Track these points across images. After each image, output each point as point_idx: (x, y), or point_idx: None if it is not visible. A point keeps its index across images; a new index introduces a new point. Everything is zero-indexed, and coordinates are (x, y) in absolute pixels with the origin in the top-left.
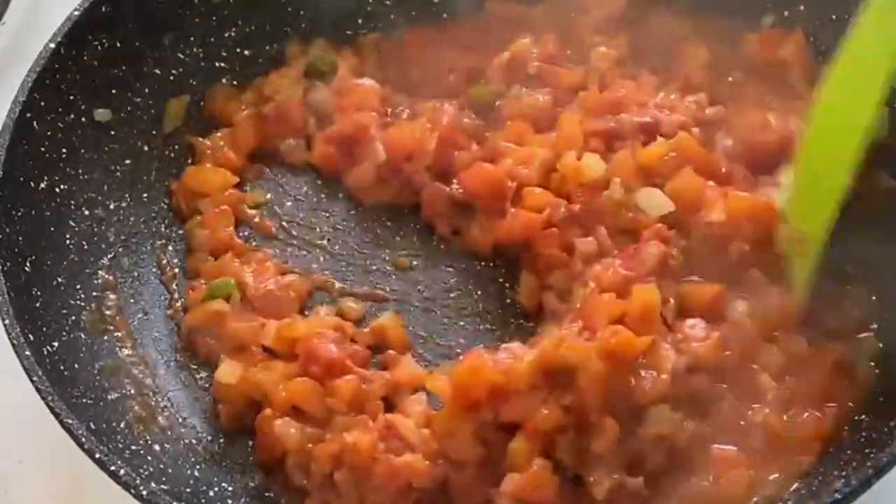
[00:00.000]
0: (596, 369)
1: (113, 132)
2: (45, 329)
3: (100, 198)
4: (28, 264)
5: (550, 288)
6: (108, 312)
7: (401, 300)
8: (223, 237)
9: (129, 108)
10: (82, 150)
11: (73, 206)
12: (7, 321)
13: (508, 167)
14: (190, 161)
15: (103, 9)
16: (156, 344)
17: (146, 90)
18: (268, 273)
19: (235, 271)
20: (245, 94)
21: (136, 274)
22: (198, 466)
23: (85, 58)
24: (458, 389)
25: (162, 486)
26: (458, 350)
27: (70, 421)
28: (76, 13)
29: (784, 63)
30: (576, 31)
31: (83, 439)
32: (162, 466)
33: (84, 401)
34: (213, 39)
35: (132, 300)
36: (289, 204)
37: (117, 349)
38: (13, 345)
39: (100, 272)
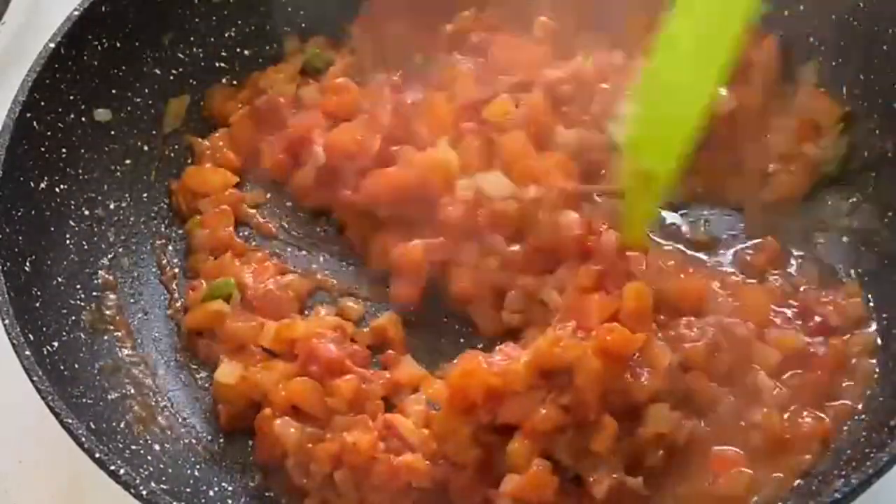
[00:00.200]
0: (592, 367)
1: (113, 132)
2: (45, 329)
3: (100, 198)
4: (28, 264)
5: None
6: (108, 312)
7: None
8: (223, 237)
9: (129, 108)
10: (82, 150)
11: (73, 206)
12: (7, 321)
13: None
14: (190, 161)
15: (103, 9)
16: (156, 344)
17: (146, 90)
18: (268, 273)
19: (235, 271)
20: (242, 93)
21: (136, 274)
22: (198, 466)
23: (85, 58)
24: (454, 392)
25: (162, 486)
26: (458, 350)
27: (70, 421)
28: (76, 13)
29: (750, 64)
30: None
31: (83, 439)
32: (162, 466)
33: (84, 401)
34: (213, 39)
35: (132, 300)
36: (289, 204)
37: (117, 349)
38: (13, 345)
39: (100, 272)
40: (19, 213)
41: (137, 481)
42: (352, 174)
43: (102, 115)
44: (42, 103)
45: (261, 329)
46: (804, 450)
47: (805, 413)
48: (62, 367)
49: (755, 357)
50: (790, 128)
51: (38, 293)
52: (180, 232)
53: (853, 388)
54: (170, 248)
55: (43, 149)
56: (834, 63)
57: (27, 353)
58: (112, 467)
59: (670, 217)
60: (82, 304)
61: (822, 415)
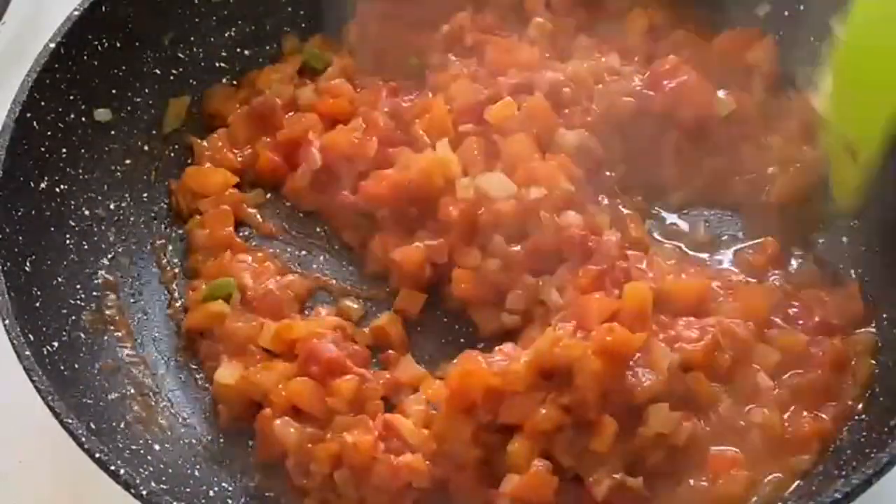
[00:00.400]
0: (593, 367)
1: (113, 132)
2: (45, 329)
3: (100, 198)
4: (28, 264)
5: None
6: (108, 312)
7: None
8: (223, 237)
9: (129, 108)
10: (82, 150)
11: (73, 206)
12: (7, 321)
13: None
14: (190, 161)
15: (103, 9)
16: (156, 344)
17: (146, 90)
18: (268, 273)
19: (235, 271)
20: (240, 93)
21: (136, 274)
22: (198, 466)
23: (85, 58)
24: (454, 392)
25: (162, 486)
26: (458, 350)
27: (70, 421)
28: (76, 13)
29: (748, 66)
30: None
31: (83, 439)
32: (162, 466)
33: (84, 401)
34: (213, 39)
35: (132, 300)
36: (289, 204)
37: (117, 349)
38: (13, 345)
39: (100, 272)
40: (19, 213)
41: (137, 481)
42: (349, 177)
43: (102, 115)
44: (42, 103)
45: (261, 329)
46: (804, 450)
47: (805, 413)
48: (62, 367)
49: (755, 357)
50: (790, 129)
51: (38, 293)
52: (180, 232)
53: (853, 388)
54: (170, 248)
55: (43, 149)
56: None
57: (27, 353)
58: (112, 467)
59: (670, 217)
60: (82, 304)
61: (822, 415)
